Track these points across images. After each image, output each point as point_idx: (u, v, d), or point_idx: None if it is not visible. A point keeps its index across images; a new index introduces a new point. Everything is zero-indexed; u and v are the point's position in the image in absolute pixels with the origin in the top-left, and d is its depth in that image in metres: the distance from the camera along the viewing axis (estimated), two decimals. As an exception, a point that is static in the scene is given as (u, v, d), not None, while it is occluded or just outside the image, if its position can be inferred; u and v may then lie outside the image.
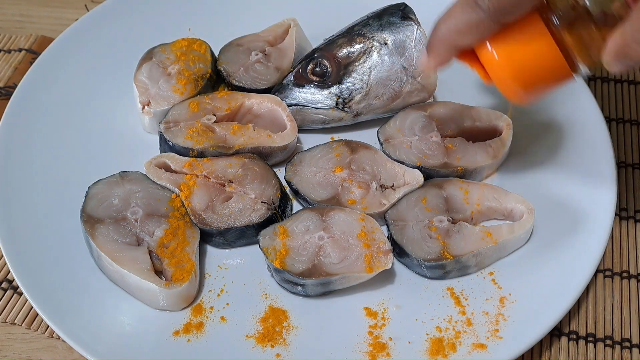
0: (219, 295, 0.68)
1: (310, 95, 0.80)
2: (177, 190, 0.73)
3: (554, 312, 0.64)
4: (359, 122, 0.82)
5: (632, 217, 0.77)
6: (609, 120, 0.86)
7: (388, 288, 0.68)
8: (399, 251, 0.69)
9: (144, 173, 0.74)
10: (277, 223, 0.70)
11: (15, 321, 0.69)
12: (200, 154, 0.76)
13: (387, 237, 0.69)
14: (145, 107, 0.80)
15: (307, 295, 0.67)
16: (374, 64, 0.79)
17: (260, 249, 0.67)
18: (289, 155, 0.79)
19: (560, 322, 0.68)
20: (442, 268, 0.67)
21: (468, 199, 0.71)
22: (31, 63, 0.86)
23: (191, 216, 0.71)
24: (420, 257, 0.67)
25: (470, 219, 0.71)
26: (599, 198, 0.72)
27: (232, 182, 0.73)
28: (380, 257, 0.66)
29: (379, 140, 0.78)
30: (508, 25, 0.58)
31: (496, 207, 0.71)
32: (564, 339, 0.67)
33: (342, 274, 0.65)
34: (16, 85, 0.84)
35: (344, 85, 0.79)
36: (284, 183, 0.75)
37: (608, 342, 0.67)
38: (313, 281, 0.65)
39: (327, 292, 0.67)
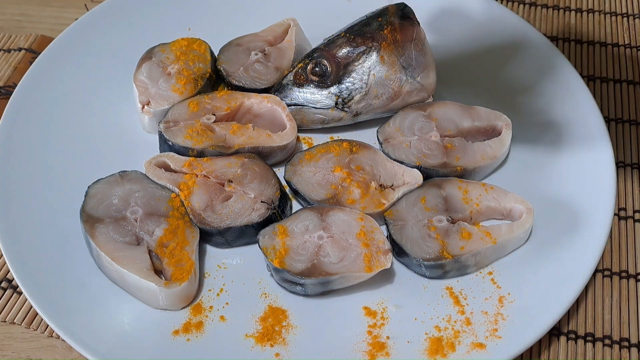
0: (218, 294, 0.68)
1: (310, 95, 0.80)
2: (176, 189, 0.73)
3: (553, 311, 0.64)
4: (359, 122, 0.82)
5: (631, 216, 0.77)
6: (607, 120, 0.86)
7: (387, 288, 0.68)
8: (398, 251, 0.69)
9: (144, 172, 0.74)
10: (276, 222, 0.70)
11: (14, 320, 0.69)
12: (200, 154, 0.76)
13: (387, 237, 0.69)
14: (145, 106, 0.80)
15: (306, 295, 0.67)
16: (374, 64, 0.79)
17: (260, 248, 0.67)
18: (288, 154, 0.79)
19: (559, 322, 0.68)
20: (441, 268, 0.67)
21: (467, 199, 0.71)
22: (31, 62, 0.86)
23: (191, 216, 0.71)
24: (420, 257, 0.67)
25: (470, 219, 0.71)
26: (597, 198, 0.73)
27: (231, 181, 0.73)
28: (380, 257, 0.66)
29: (378, 140, 0.78)
30: None
31: (495, 206, 0.71)
32: (562, 339, 0.67)
33: (341, 274, 0.65)
34: (16, 85, 0.84)
35: (343, 85, 0.79)
36: (284, 183, 0.75)
37: (607, 341, 0.67)
38: (312, 281, 0.65)
39: (326, 292, 0.67)
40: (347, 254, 0.67)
